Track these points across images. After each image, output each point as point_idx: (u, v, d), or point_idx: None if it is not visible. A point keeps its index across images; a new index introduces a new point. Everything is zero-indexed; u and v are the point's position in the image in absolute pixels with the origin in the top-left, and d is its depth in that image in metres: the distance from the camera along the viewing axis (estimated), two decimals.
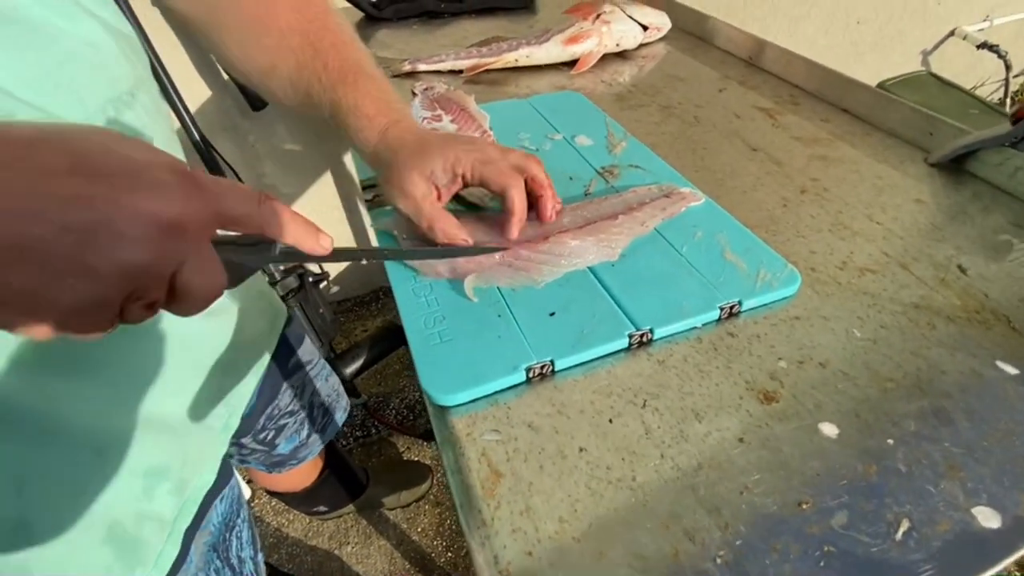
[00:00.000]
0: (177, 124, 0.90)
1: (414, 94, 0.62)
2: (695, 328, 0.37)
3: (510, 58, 0.71)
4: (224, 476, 0.47)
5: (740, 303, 0.37)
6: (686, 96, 0.66)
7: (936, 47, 1.86)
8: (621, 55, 0.77)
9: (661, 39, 0.80)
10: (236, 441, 0.57)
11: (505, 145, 0.52)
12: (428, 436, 1.25)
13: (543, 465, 0.29)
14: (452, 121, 0.56)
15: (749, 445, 0.30)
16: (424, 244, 0.41)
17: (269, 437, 0.59)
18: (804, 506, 0.27)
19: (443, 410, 0.32)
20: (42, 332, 0.18)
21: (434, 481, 1.17)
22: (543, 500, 0.28)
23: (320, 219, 1.16)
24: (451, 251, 0.39)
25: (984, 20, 1.84)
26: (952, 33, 1.83)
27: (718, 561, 0.25)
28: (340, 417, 0.72)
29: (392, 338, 1.25)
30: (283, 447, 0.62)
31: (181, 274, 0.21)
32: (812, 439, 0.30)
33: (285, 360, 0.59)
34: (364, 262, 0.37)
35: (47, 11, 0.28)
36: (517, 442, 0.30)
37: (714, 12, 0.80)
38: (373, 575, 1.06)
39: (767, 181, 0.51)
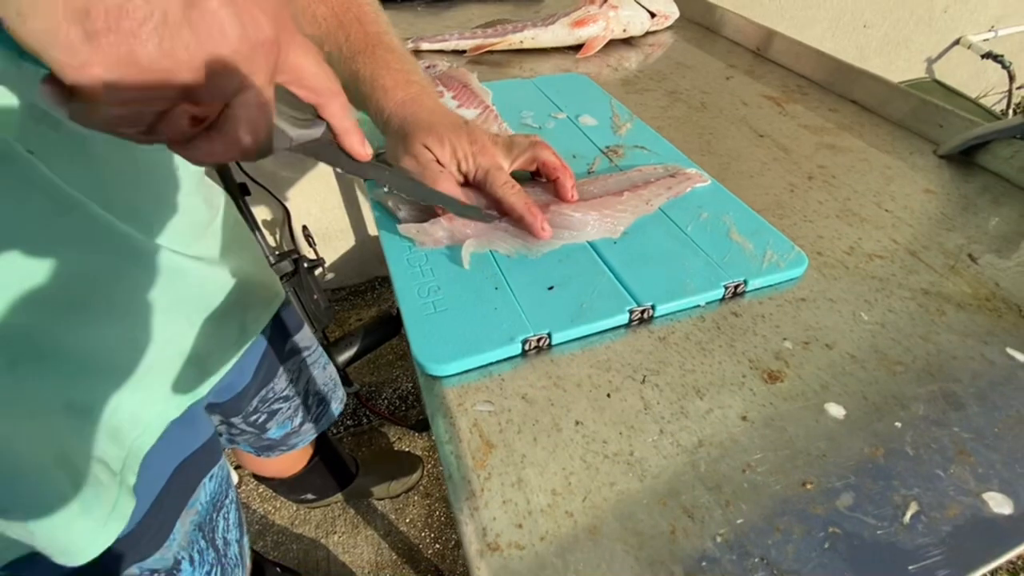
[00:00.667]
0: None
1: None
2: (698, 306, 0.35)
3: (515, 39, 0.70)
4: (213, 453, 0.46)
5: (745, 283, 0.36)
6: (693, 83, 0.65)
7: (941, 55, 1.86)
8: (627, 42, 0.76)
9: (668, 28, 0.79)
10: (226, 420, 0.56)
11: (506, 123, 0.51)
12: (420, 427, 1.24)
13: (537, 437, 0.28)
14: (454, 98, 0.54)
15: (752, 423, 0.29)
16: (421, 212, 0.40)
17: (260, 420, 0.58)
18: (808, 486, 0.26)
19: (434, 380, 0.31)
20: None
21: (424, 472, 1.16)
22: (536, 472, 0.26)
23: (317, 202, 1.16)
24: (448, 201, 0.38)
25: (989, 30, 1.84)
26: (957, 42, 1.83)
27: (718, 540, 0.24)
28: (336, 408, 0.71)
29: (386, 328, 1.23)
30: (274, 432, 0.61)
31: (240, 97, 0.21)
32: (818, 419, 0.29)
33: (282, 344, 0.57)
34: (386, 188, 0.37)
35: None
36: (510, 413, 0.29)
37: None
38: (360, 565, 1.05)
39: (774, 167, 0.50)
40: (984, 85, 2.07)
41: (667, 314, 0.35)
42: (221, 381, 0.45)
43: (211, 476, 0.45)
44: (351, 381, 1.25)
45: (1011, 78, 1.80)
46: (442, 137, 0.38)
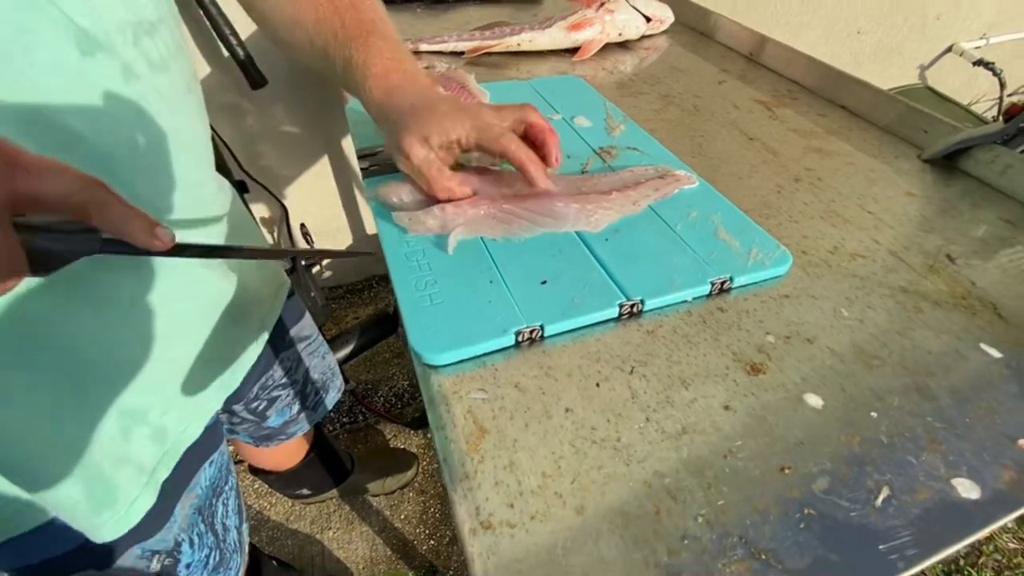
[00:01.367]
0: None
1: None
2: (686, 301, 0.37)
3: (512, 42, 0.71)
4: (215, 439, 0.47)
5: (731, 279, 0.37)
6: (686, 87, 0.66)
7: (934, 62, 1.88)
8: (623, 45, 0.77)
9: (663, 32, 0.81)
10: (227, 408, 0.57)
11: None
12: (415, 424, 1.25)
13: (528, 423, 0.29)
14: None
15: (734, 412, 0.30)
16: (419, 203, 0.41)
17: (261, 407, 0.59)
18: (786, 471, 0.28)
19: (431, 369, 0.32)
20: None
21: (419, 469, 1.17)
22: (527, 456, 0.27)
23: (315, 200, 1.17)
24: (305, 252, 0.43)
25: (981, 38, 1.87)
26: (950, 49, 1.86)
27: (699, 520, 0.25)
28: (333, 397, 0.72)
29: (382, 326, 1.24)
30: (273, 420, 0.62)
31: None
32: (797, 409, 0.30)
33: (283, 332, 0.58)
34: (210, 260, 0.37)
35: None
36: (503, 401, 0.30)
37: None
38: (355, 561, 1.06)
39: (762, 169, 0.52)
40: (976, 92, 2.09)
41: (656, 308, 0.36)
42: None
43: (211, 462, 0.46)
44: (347, 379, 1.25)
45: (1002, 85, 1.83)
46: (430, 120, 0.38)
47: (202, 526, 0.45)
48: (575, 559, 0.24)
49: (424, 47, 0.72)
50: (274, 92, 1.10)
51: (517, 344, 0.33)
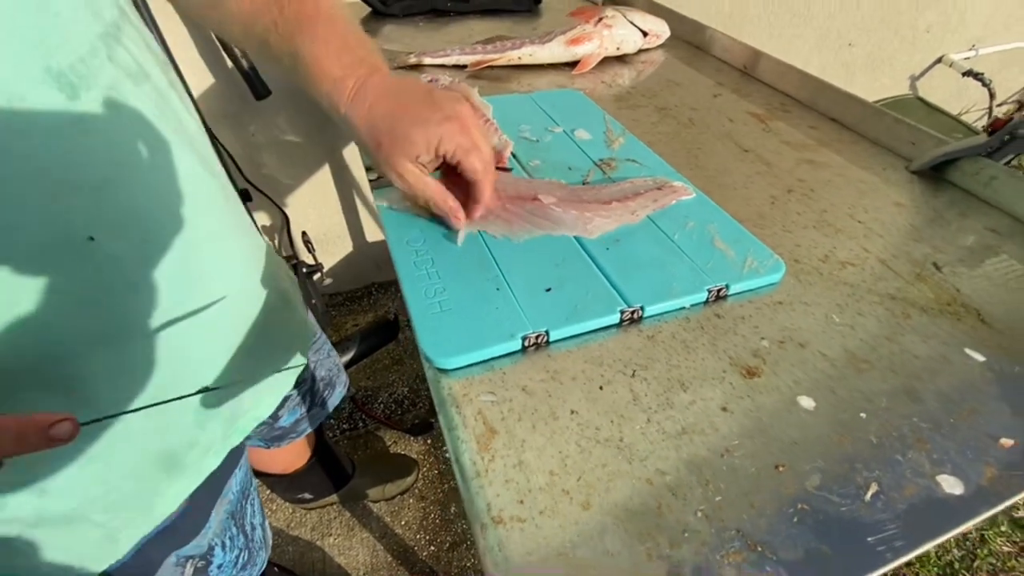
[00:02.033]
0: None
1: None
2: (684, 308, 0.38)
3: (513, 56, 0.73)
4: (242, 444, 0.48)
5: (727, 287, 0.39)
6: (682, 100, 0.69)
7: (924, 73, 1.92)
8: (621, 59, 0.79)
9: (660, 46, 0.83)
10: None
11: (506, 135, 0.54)
12: (415, 431, 1.26)
13: (535, 425, 0.30)
14: None
15: (731, 414, 0.32)
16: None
17: (275, 408, 0.60)
18: (781, 469, 0.29)
19: (442, 373, 0.33)
20: None
21: (419, 475, 1.18)
22: (535, 455, 0.29)
23: (316, 208, 1.19)
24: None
25: (970, 49, 1.91)
26: (940, 60, 1.90)
27: (698, 514, 0.27)
28: (340, 392, 0.74)
29: (382, 333, 1.25)
30: (285, 419, 0.63)
31: None
32: (790, 411, 0.32)
33: None
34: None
35: None
36: (511, 403, 0.31)
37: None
38: (355, 567, 1.06)
39: (756, 180, 0.53)
40: (966, 102, 2.13)
41: (655, 315, 0.38)
42: None
43: (240, 466, 0.47)
44: (348, 385, 1.26)
45: (991, 96, 1.87)
46: (412, 134, 0.37)
47: (234, 529, 0.47)
48: (582, 552, 0.25)
49: (427, 60, 0.74)
50: (277, 103, 1.12)
51: (523, 349, 0.35)
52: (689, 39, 0.86)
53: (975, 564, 1.07)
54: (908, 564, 1.06)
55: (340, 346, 1.19)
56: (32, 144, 0.26)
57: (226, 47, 1.01)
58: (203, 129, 0.39)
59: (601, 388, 0.33)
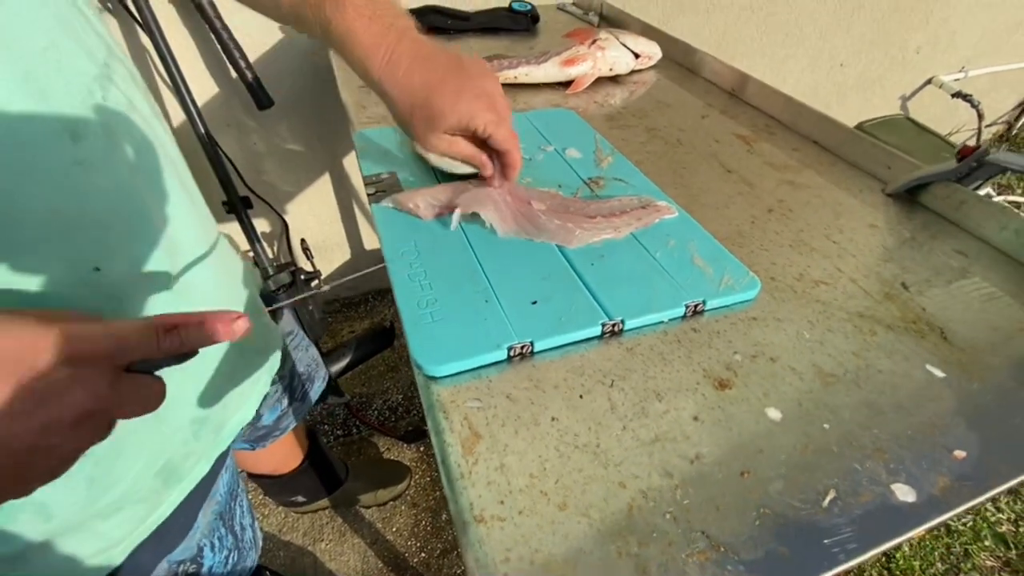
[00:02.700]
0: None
1: None
2: (662, 322, 0.40)
3: (510, 75, 0.76)
4: (225, 450, 0.49)
5: (704, 303, 0.41)
6: (671, 120, 0.71)
7: (914, 93, 1.96)
8: (614, 79, 0.82)
9: (652, 67, 0.86)
10: None
11: None
12: (409, 438, 1.27)
13: (518, 430, 0.32)
14: None
15: (702, 423, 0.34)
16: (440, 209, 0.48)
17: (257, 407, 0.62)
18: (745, 475, 0.31)
19: (431, 380, 0.35)
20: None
21: (411, 482, 1.19)
22: (516, 459, 0.31)
23: (315, 216, 1.21)
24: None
25: (960, 71, 1.96)
26: (929, 81, 1.94)
27: (667, 516, 0.29)
28: (319, 387, 0.75)
29: (378, 340, 1.27)
30: (267, 417, 0.65)
31: (117, 413, 0.24)
32: (759, 421, 0.34)
33: None
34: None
35: None
36: (496, 409, 0.33)
37: (703, 48, 0.86)
38: (346, 573, 1.07)
39: (738, 200, 0.56)
40: (956, 122, 2.18)
41: (635, 328, 0.40)
42: None
43: (226, 468, 0.49)
44: (342, 392, 1.28)
45: (980, 117, 1.91)
46: (446, 107, 0.39)
47: (223, 530, 0.48)
48: (557, 549, 0.27)
49: None
50: (280, 112, 1.14)
51: (509, 358, 0.37)
52: (680, 61, 0.89)
53: None
54: None
55: (336, 352, 1.21)
56: (43, 186, 0.28)
57: (231, 58, 1.03)
58: (179, 150, 0.42)
59: (581, 397, 0.35)
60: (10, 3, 0.26)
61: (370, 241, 1.48)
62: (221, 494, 0.48)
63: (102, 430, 0.24)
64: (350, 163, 1.31)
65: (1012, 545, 1.13)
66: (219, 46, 1.02)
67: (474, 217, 0.47)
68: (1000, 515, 1.18)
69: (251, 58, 1.05)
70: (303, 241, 1.31)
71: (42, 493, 0.23)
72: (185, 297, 0.38)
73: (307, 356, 0.72)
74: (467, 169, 0.52)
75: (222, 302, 0.44)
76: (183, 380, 0.39)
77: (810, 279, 0.46)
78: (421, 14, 0.95)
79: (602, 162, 0.58)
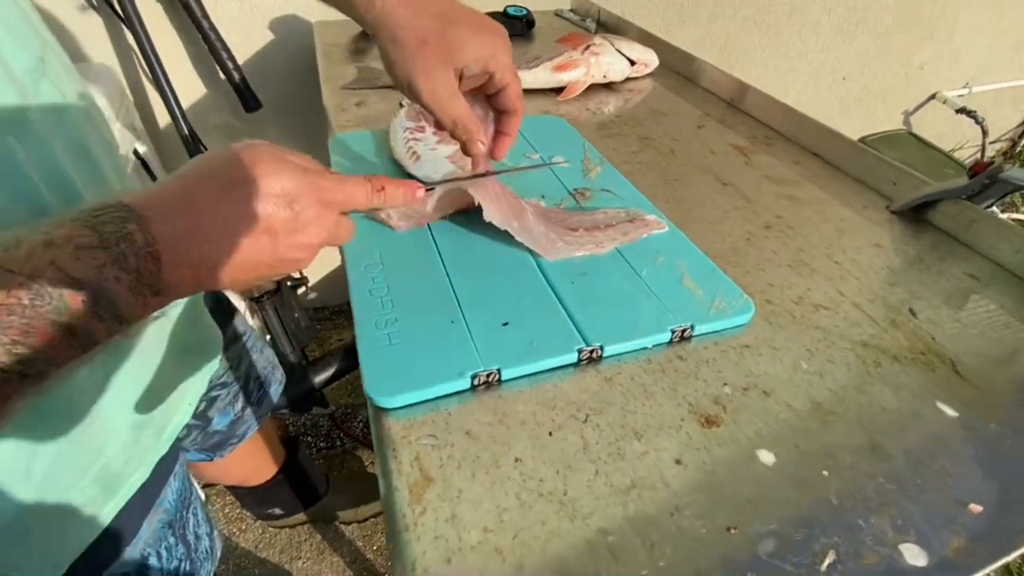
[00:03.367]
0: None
1: (401, 105, 0.63)
2: (645, 349, 0.37)
3: None
4: (175, 452, 0.47)
5: (692, 328, 0.38)
6: (666, 130, 0.68)
7: (917, 108, 1.93)
8: (608, 86, 0.79)
9: (648, 75, 0.83)
10: None
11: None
12: None
13: (475, 473, 0.29)
14: (434, 133, 0.56)
15: (685, 467, 0.30)
16: (414, 220, 0.45)
17: (201, 408, 0.59)
18: (732, 531, 0.27)
19: (382, 412, 0.32)
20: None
21: None
22: (471, 508, 0.27)
23: None
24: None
25: (964, 87, 1.93)
26: (933, 97, 1.91)
27: None
28: (276, 390, 0.73)
29: None
30: (218, 421, 0.62)
31: (332, 242, 0.31)
32: (749, 465, 0.30)
33: (221, 330, 0.59)
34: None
35: None
36: (452, 448, 0.30)
37: (704, 59, 0.83)
38: None
39: (734, 215, 0.52)
40: (960, 138, 2.15)
41: (615, 355, 0.36)
42: None
43: (175, 475, 0.46)
44: (327, 402, 1.24)
45: (984, 133, 1.88)
46: (464, 41, 0.34)
47: (172, 539, 0.46)
48: None
49: None
50: (267, 115, 1.11)
51: (473, 388, 0.33)
52: (678, 69, 0.86)
53: None
54: None
55: (322, 361, 1.17)
56: None
57: (219, 60, 1.01)
58: (117, 145, 0.42)
59: (551, 434, 0.31)
60: None
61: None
62: (169, 502, 0.45)
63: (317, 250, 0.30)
64: (338, 169, 1.28)
65: None
66: (207, 47, 1.00)
67: (453, 216, 0.43)
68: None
69: (239, 60, 1.03)
70: None
71: None
72: None
73: (262, 358, 0.70)
74: (448, 173, 0.49)
75: None
76: (122, 384, 0.38)
77: (810, 303, 0.42)
78: None
79: (590, 172, 0.55)
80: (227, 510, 1.11)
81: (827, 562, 0.26)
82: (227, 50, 1.00)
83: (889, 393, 0.35)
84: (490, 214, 0.40)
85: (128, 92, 1.02)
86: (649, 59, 0.80)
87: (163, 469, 0.45)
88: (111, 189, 0.37)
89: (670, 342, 0.37)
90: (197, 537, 0.50)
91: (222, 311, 0.61)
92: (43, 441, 0.33)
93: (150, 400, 0.42)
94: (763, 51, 1.49)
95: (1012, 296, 0.45)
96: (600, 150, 0.59)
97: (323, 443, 1.26)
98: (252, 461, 0.84)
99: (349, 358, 1.21)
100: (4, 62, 0.29)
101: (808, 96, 1.67)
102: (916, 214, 0.54)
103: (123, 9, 0.91)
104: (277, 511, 1.01)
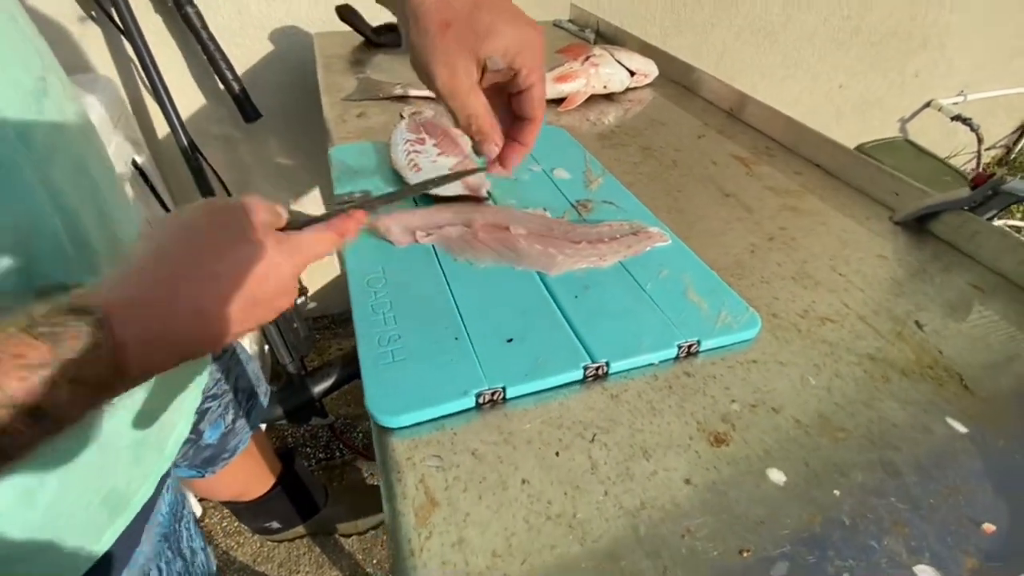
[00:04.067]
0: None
1: (402, 117, 0.63)
2: (652, 365, 0.36)
3: None
4: (165, 472, 0.46)
5: (699, 343, 0.37)
6: (667, 140, 0.68)
7: (913, 116, 1.95)
8: (608, 97, 0.79)
9: (648, 85, 0.83)
10: None
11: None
12: None
13: (482, 495, 0.28)
14: (435, 145, 0.56)
15: (695, 487, 0.29)
16: (412, 234, 0.45)
17: (193, 422, 0.59)
18: (745, 554, 0.27)
19: (386, 432, 0.31)
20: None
21: None
22: (478, 532, 0.26)
23: None
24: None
25: (959, 94, 1.94)
26: (928, 104, 1.93)
27: None
28: (262, 400, 0.73)
29: None
30: (209, 434, 0.62)
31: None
32: (759, 485, 0.30)
33: None
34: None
35: None
36: (458, 469, 0.29)
37: (701, 68, 0.83)
38: None
39: (737, 227, 0.52)
40: (955, 145, 2.16)
41: (621, 371, 0.36)
42: None
43: (168, 488, 0.46)
44: (326, 413, 1.23)
45: (979, 140, 1.89)
46: (493, 29, 0.30)
47: (169, 552, 0.46)
48: None
49: (413, 92, 0.73)
50: (267, 126, 1.11)
51: (478, 406, 0.33)
52: (677, 79, 0.86)
53: None
54: None
55: (321, 371, 1.16)
56: None
57: (218, 70, 1.01)
58: (113, 165, 0.43)
59: (558, 454, 0.30)
60: None
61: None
62: (163, 515, 0.45)
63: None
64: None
65: None
66: (206, 58, 1.00)
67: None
68: None
69: (239, 70, 1.03)
70: None
71: None
72: None
73: (248, 370, 0.70)
74: (449, 191, 0.48)
75: None
76: (119, 402, 0.37)
77: (815, 316, 0.42)
78: None
79: (592, 183, 0.55)
80: (224, 523, 1.10)
81: None
82: (226, 60, 1.00)
83: (898, 408, 0.35)
84: (486, 263, 0.42)
85: (127, 103, 1.02)
86: (649, 69, 0.80)
87: (160, 483, 0.45)
88: (106, 207, 0.37)
89: (676, 358, 0.37)
90: (192, 551, 0.50)
91: None
92: (48, 469, 0.32)
93: (148, 416, 0.41)
94: (759, 60, 1.50)
95: (1016, 307, 0.45)
96: (602, 161, 0.59)
97: (322, 454, 1.25)
98: (245, 476, 0.83)
99: (349, 368, 1.20)
100: (8, 83, 0.30)
101: (804, 104, 1.68)
102: (918, 225, 0.54)
103: (122, 20, 0.91)
104: (275, 524, 1.00)
